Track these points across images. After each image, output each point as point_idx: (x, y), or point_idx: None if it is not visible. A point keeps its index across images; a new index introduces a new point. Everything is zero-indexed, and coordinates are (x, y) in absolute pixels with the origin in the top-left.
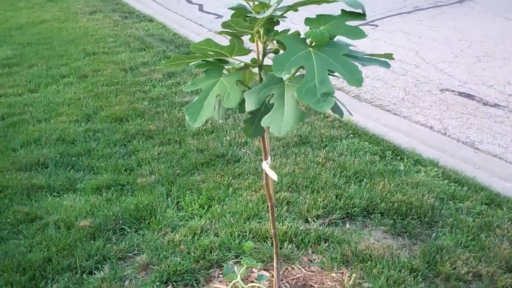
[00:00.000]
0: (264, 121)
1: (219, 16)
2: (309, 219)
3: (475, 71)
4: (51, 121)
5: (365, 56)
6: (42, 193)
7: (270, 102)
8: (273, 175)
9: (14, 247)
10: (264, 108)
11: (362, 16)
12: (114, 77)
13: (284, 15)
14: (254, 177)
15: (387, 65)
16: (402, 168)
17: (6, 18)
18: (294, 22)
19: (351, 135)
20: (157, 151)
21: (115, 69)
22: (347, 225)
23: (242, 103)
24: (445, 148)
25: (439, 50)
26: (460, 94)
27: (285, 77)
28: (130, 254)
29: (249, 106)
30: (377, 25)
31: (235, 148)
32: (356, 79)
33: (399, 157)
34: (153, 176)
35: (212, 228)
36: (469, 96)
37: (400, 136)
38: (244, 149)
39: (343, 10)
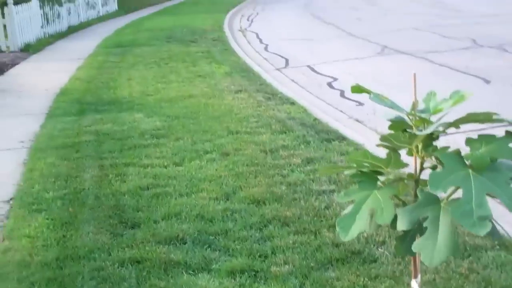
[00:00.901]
0: (415, 246)
1: (360, 104)
2: None
3: None
4: (192, 196)
5: None
6: (178, 270)
7: (424, 225)
8: None
9: None
10: (418, 227)
11: None
12: (255, 158)
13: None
14: (391, 281)
15: None
16: None
17: (158, 90)
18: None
19: (497, 247)
20: (292, 239)
21: (256, 150)
22: None
23: (394, 218)
24: None
25: None
26: None
27: (441, 194)
28: None
29: (401, 225)
30: None
31: (372, 246)
32: None
33: None
34: (287, 266)
35: None
36: None
37: None
38: (381, 248)
39: (507, 131)
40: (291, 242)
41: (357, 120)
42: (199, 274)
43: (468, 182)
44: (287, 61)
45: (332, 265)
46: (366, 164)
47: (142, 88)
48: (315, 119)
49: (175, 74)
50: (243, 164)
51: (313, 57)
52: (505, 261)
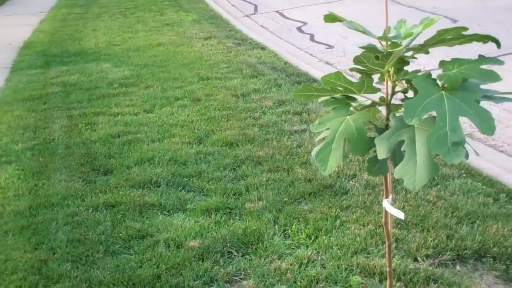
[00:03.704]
0: (397, 173)
1: (330, 47)
2: (418, 258)
3: None
4: (165, 141)
5: (498, 96)
6: (153, 211)
7: (402, 149)
8: (398, 214)
9: (125, 262)
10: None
11: (499, 61)
12: (226, 102)
13: (415, 56)
14: (362, 210)
15: None
16: None
17: (124, 40)
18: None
19: (464, 175)
20: (266, 177)
21: (227, 95)
22: (458, 267)
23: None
24: None
25: None
26: None
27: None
28: (236, 278)
29: (381, 154)
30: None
31: (343, 179)
32: (488, 127)
33: None
34: (261, 202)
35: (319, 259)
36: None
37: None
38: (352, 181)
39: (480, 55)
40: (264, 179)
41: (327, 63)
42: (174, 214)
43: (442, 105)
44: (256, 7)
45: (305, 198)
46: (339, 88)
47: (109, 39)
48: (286, 62)
49: (142, 23)
50: (215, 108)
51: (283, 2)
52: (471, 187)
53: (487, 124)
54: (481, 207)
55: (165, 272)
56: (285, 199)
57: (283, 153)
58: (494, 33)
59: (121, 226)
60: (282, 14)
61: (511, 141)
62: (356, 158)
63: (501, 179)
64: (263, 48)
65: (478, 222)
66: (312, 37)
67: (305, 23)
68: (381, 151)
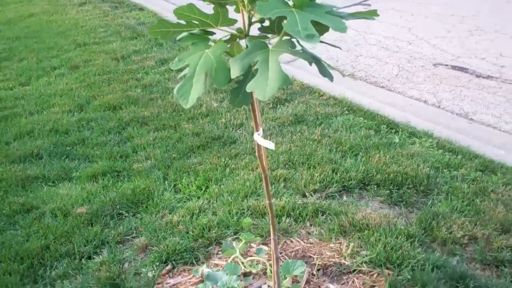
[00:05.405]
0: (249, 87)
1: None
2: (306, 193)
3: (468, 45)
4: (44, 112)
5: (348, 14)
6: (37, 184)
7: (255, 68)
8: (269, 145)
9: (11, 238)
10: (250, 77)
11: None
12: (106, 67)
13: None
14: (250, 156)
15: (372, 18)
16: (397, 140)
17: None
18: None
19: (346, 112)
20: (152, 136)
21: (107, 59)
22: (344, 198)
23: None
24: (439, 120)
25: (431, 26)
26: (453, 67)
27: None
28: (128, 237)
29: (234, 73)
30: (369, 4)
31: (230, 130)
32: (341, 27)
33: (393, 130)
34: (149, 161)
35: (210, 207)
36: (462, 69)
37: (395, 111)
38: (239, 130)
39: None
40: (151, 139)
41: None
42: (59, 184)
43: (292, 14)
44: None
45: (194, 152)
46: (195, 22)
47: None
48: None
49: None
50: (95, 74)
51: None
52: (353, 123)
53: (340, 25)
54: (363, 140)
55: (54, 241)
56: (173, 155)
57: (169, 111)
58: None
59: (4, 202)
60: None
61: (390, 77)
62: (243, 108)
63: (382, 112)
64: (142, 9)
65: (361, 154)
66: None
67: None
68: (234, 71)
